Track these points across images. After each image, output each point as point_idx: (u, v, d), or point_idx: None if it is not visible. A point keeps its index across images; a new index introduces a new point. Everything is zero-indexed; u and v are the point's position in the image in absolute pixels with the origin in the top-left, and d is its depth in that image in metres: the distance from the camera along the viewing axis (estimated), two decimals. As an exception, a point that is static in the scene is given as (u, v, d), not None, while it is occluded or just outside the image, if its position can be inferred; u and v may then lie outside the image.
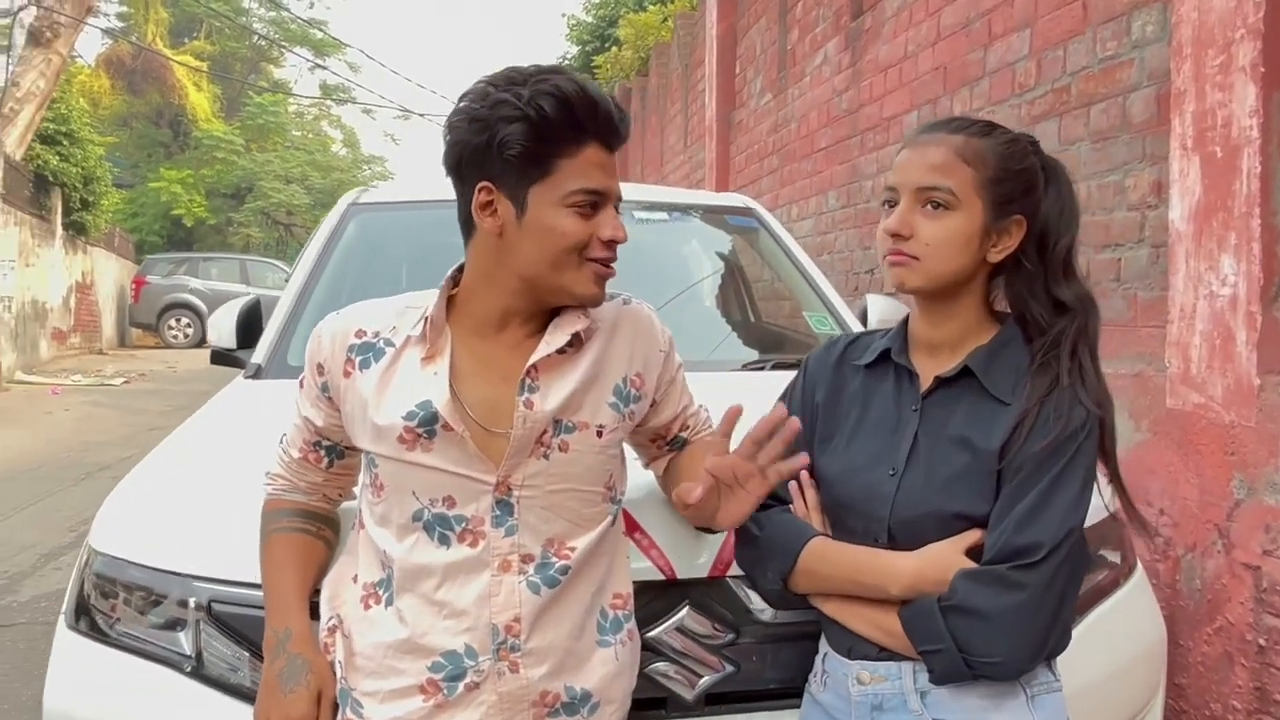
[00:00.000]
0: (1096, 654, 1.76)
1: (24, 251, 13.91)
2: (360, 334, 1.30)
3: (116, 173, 19.56)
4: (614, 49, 13.72)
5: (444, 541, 1.24)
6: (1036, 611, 1.19)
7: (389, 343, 1.29)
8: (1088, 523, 1.76)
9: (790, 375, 1.53)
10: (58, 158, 14.70)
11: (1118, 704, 1.81)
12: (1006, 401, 1.26)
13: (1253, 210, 2.19)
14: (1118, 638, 1.83)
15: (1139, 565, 1.99)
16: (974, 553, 1.24)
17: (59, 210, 15.52)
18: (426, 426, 1.23)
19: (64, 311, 16.37)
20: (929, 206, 1.27)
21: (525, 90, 1.20)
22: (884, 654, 1.29)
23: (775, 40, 6.30)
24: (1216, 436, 2.31)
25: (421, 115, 46.03)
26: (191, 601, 1.52)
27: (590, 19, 16.21)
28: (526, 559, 1.25)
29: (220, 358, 2.85)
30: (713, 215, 3.49)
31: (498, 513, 1.24)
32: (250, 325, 2.80)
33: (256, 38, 31.81)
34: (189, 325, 18.54)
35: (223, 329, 2.81)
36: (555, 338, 1.27)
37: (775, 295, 3.68)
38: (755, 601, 1.55)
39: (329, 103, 34.19)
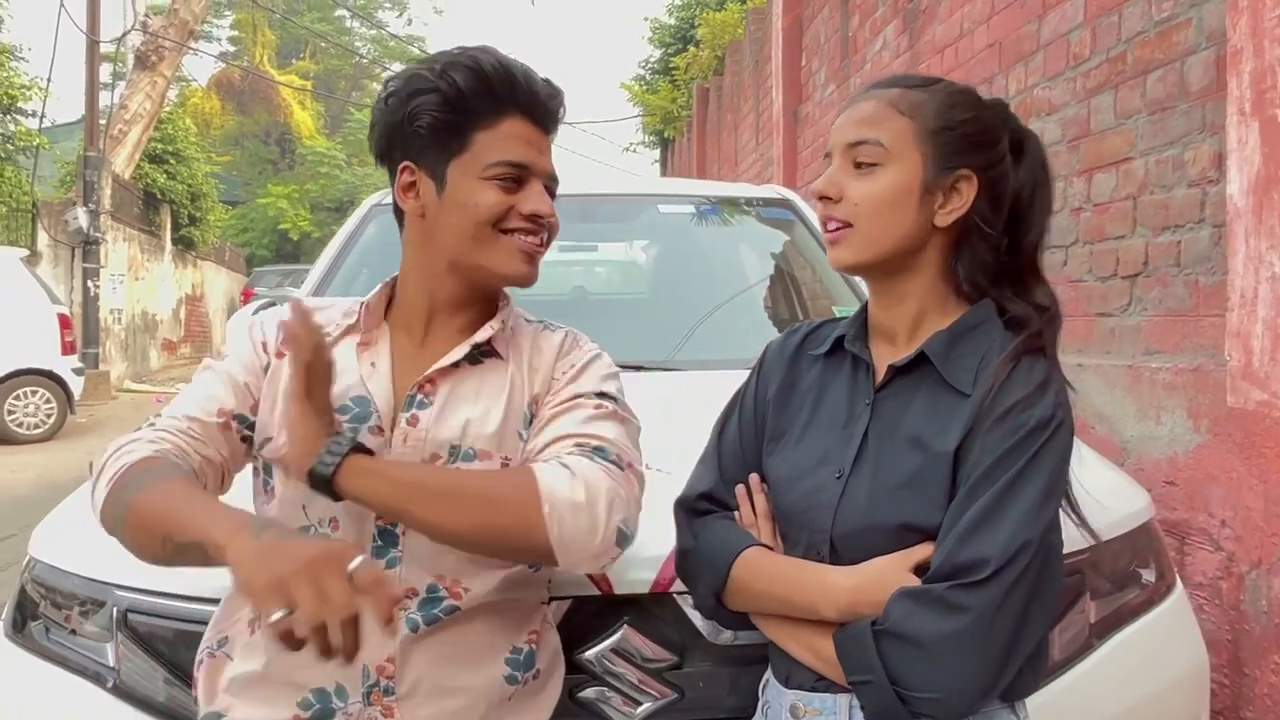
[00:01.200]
0: (1117, 686, 1.55)
1: (133, 266, 14.65)
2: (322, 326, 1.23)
3: (223, 189, 20.45)
4: (692, 49, 13.62)
5: None
6: (984, 640, 1.00)
7: (327, 334, 1.21)
8: (1117, 533, 1.58)
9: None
10: (165, 176, 15.46)
11: (1153, 739, 1.59)
12: (967, 393, 1.08)
13: (1318, 179, 1.92)
14: (1147, 665, 1.62)
15: (1179, 584, 1.75)
16: (924, 570, 1.06)
17: (168, 226, 16.31)
18: (356, 424, 1.14)
19: (174, 323, 17.18)
20: (856, 165, 1.11)
21: (440, 65, 1.16)
22: (821, 683, 1.12)
23: (838, 28, 6.09)
24: (1282, 438, 2.04)
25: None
26: (114, 612, 1.47)
27: (672, 21, 16.14)
28: (409, 593, 1.13)
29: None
30: (747, 207, 3.36)
31: (379, 543, 1.13)
32: (264, 328, 2.79)
33: (358, 57, 32.90)
34: (292, 335, 19.21)
35: (236, 332, 2.80)
36: (457, 351, 1.17)
37: (809, 289, 3.50)
38: (704, 622, 1.40)
39: (427, 116, 35.00)
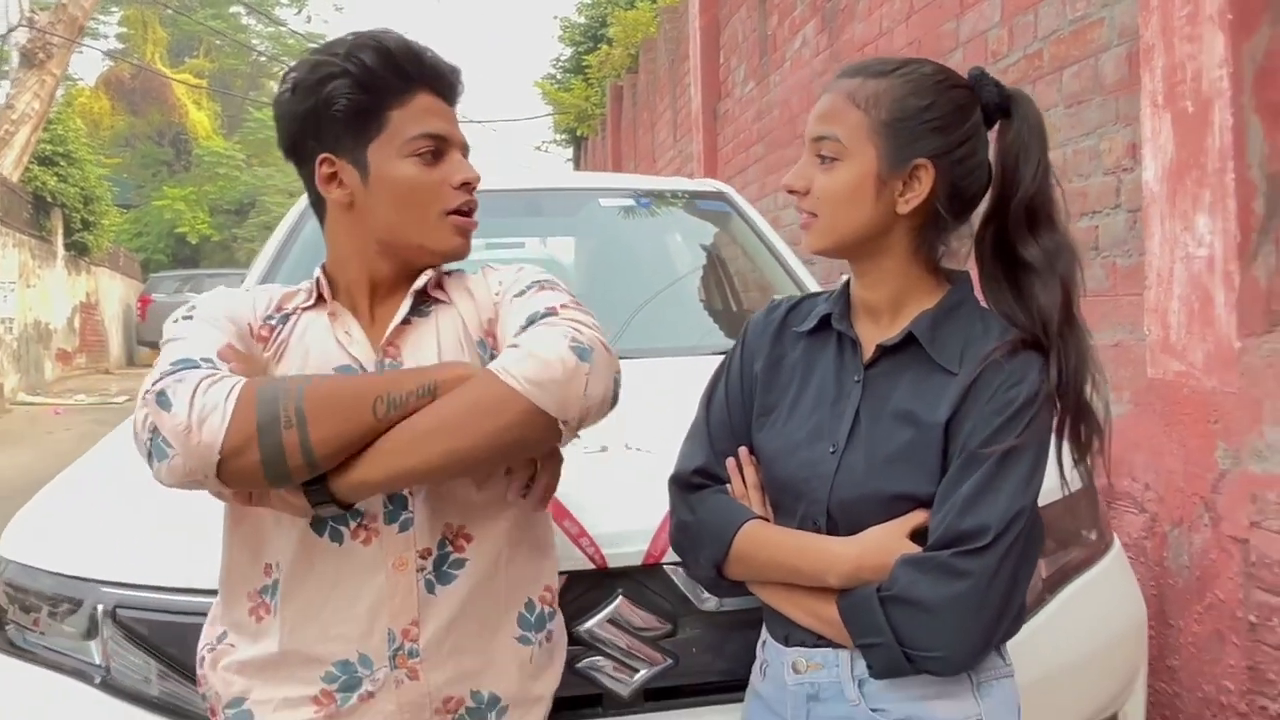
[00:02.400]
0: (1067, 636, 1.67)
1: (24, 273, 13.95)
2: (280, 308, 1.23)
3: (116, 192, 19.62)
4: (604, 48, 13.68)
5: (336, 538, 1.14)
6: (983, 601, 1.09)
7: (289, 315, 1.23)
8: (1056, 498, 1.69)
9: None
10: (56, 179, 14.74)
11: (1093, 689, 1.72)
12: (954, 371, 1.15)
13: (1226, 165, 2.09)
14: (1091, 619, 1.74)
15: (1116, 541, 1.89)
16: (920, 536, 1.14)
17: (60, 231, 15.57)
18: None
19: (68, 332, 16.43)
20: (820, 159, 1.18)
21: (343, 48, 1.18)
22: (821, 641, 1.20)
23: (756, 27, 6.23)
24: (1199, 405, 2.20)
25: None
26: (99, 608, 1.45)
27: (582, 20, 16.17)
28: (424, 554, 1.15)
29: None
30: (683, 200, 3.42)
31: (390, 506, 1.15)
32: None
33: (256, 54, 31.94)
34: (195, 342, 18.51)
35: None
36: (405, 304, 1.21)
37: (746, 279, 3.60)
38: (695, 590, 1.46)
39: (329, 115, 34.20)
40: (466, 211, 1.22)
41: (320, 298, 1.23)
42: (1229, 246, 2.09)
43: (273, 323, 1.21)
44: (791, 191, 1.20)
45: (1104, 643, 1.75)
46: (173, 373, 1.05)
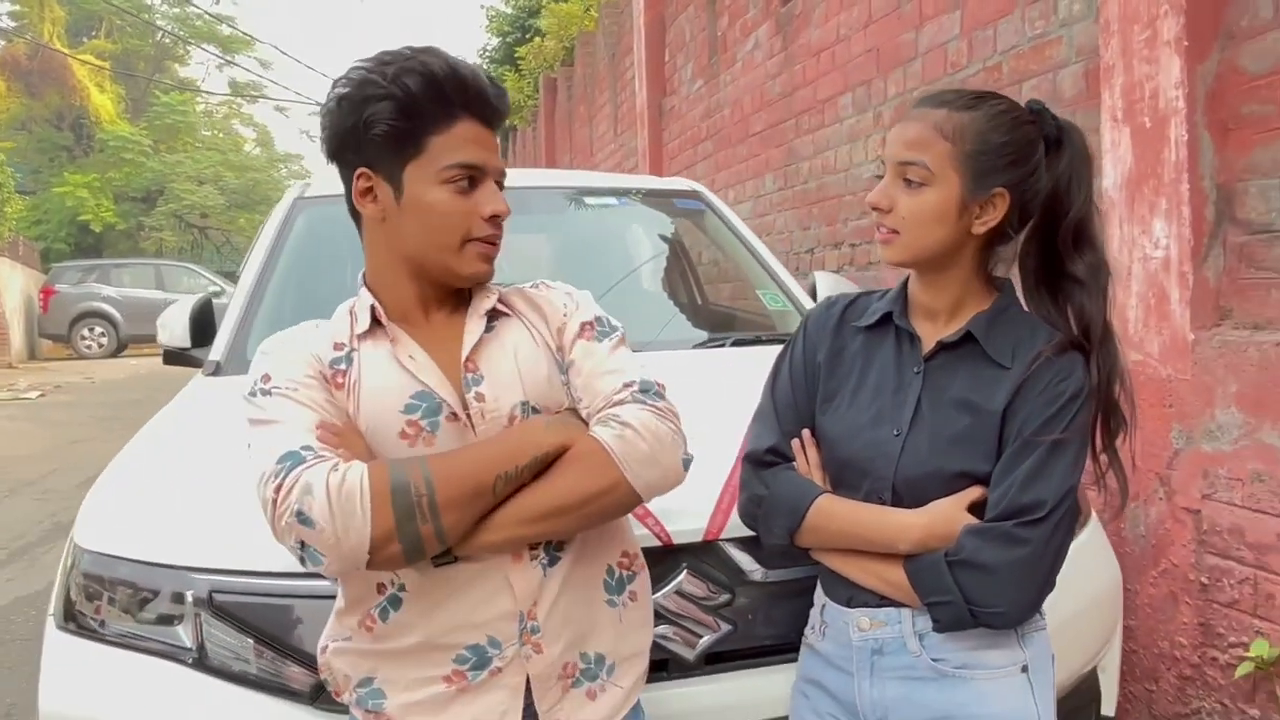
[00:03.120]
0: (1059, 598, 1.85)
1: (-76, 263, 13.27)
2: (339, 346, 1.26)
3: (18, 179, 18.73)
4: (537, 39, 13.66)
5: None
6: (1037, 564, 1.27)
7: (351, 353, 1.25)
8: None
9: (748, 351, 1.58)
10: (-44, 164, 14.06)
11: (1081, 644, 1.92)
12: (1007, 366, 1.31)
13: (1181, 176, 2.32)
14: (1077, 582, 1.92)
15: (1093, 513, 2.11)
16: (974, 509, 1.30)
17: (-41, 219, 14.84)
18: (430, 417, 1.20)
19: (-30, 325, 15.67)
20: (905, 182, 1.31)
21: (391, 69, 1.20)
22: (884, 601, 1.35)
23: (705, 27, 6.37)
24: (1155, 390, 2.44)
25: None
26: (189, 594, 1.52)
27: (510, 10, 16.10)
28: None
29: (174, 357, 2.80)
30: (659, 199, 3.54)
31: None
32: (203, 323, 2.77)
33: (161, 35, 30.79)
34: (103, 335, 17.91)
35: (175, 328, 2.76)
36: (474, 325, 1.26)
37: (722, 276, 3.74)
38: (748, 563, 1.61)
39: (239, 100, 33.36)
40: (490, 239, 1.25)
41: (376, 322, 1.25)
42: (1183, 249, 2.33)
43: (341, 366, 1.23)
44: (875, 209, 1.34)
45: (1088, 604, 1.95)
46: (287, 472, 1.09)
